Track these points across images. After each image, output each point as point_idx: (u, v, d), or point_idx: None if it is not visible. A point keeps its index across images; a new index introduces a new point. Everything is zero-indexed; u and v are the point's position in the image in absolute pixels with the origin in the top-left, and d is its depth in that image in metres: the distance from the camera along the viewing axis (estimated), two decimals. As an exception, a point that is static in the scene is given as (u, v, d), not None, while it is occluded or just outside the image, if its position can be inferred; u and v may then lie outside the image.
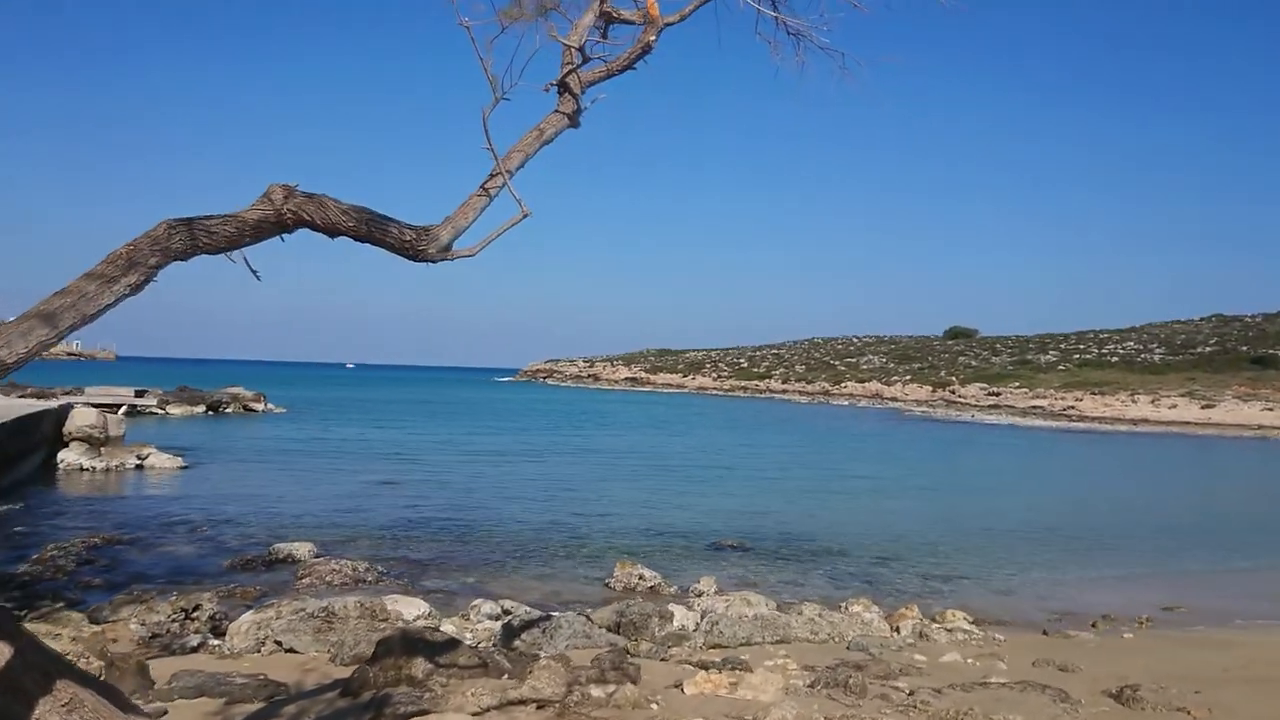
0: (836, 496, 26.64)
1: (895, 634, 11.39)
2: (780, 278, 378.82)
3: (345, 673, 8.02)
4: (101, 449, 26.36)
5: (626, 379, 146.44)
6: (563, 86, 5.24)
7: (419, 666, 7.56)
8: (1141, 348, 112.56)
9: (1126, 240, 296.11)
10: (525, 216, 4.83)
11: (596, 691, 7.44)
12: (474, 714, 6.92)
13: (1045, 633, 12.05)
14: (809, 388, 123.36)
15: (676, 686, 7.93)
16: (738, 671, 8.44)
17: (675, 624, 10.85)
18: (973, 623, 12.13)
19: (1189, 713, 7.75)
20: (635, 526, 19.62)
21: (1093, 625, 12.57)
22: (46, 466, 24.70)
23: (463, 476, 27.62)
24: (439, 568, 14.99)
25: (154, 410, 47.41)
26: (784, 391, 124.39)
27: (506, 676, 7.77)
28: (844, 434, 57.75)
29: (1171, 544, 20.17)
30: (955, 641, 11.09)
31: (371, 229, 4.62)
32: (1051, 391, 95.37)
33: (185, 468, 26.13)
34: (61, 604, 11.35)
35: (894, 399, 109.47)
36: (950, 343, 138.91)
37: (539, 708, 7.15)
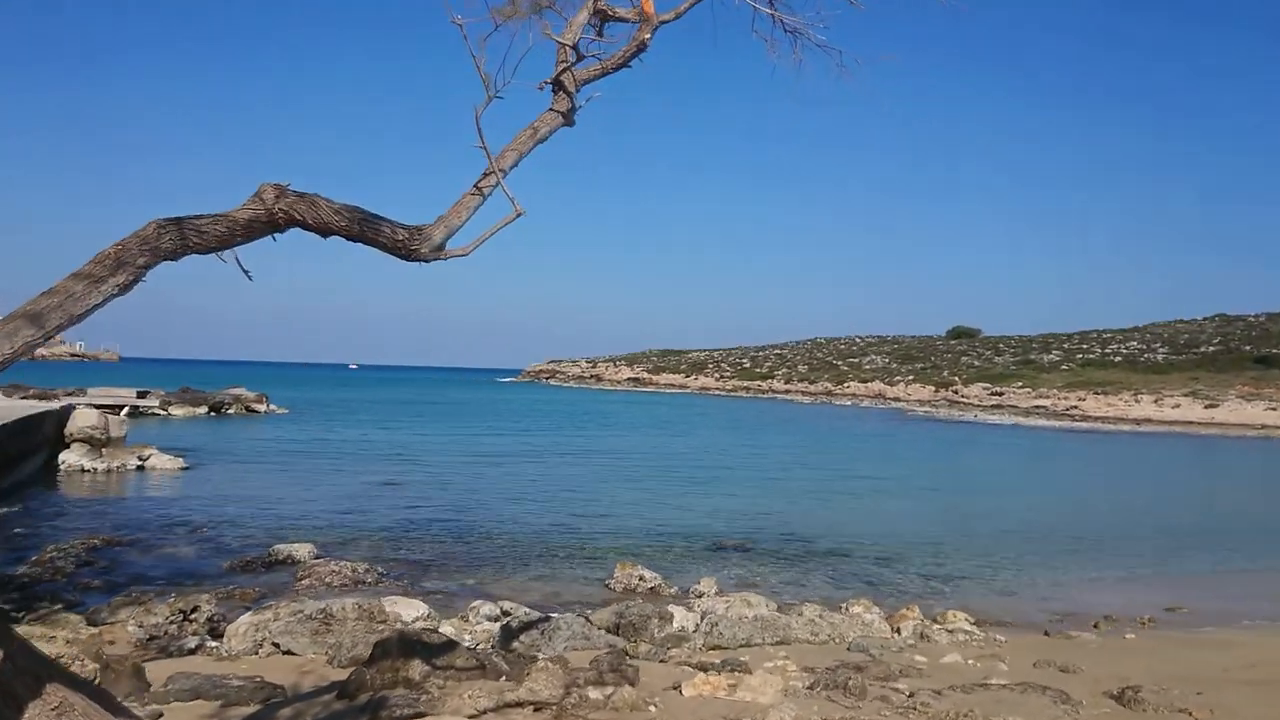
0: (839, 497, 26.59)
1: (896, 635, 11.34)
2: (782, 278, 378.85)
3: (343, 675, 7.98)
4: (103, 450, 26.34)
5: (629, 379, 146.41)
6: (557, 85, 5.19)
7: (416, 668, 7.53)
8: (1145, 347, 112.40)
9: (1129, 240, 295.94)
10: (519, 215, 4.80)
11: (594, 693, 7.40)
12: (470, 716, 6.88)
13: (1047, 633, 12.01)
14: (811, 388, 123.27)
15: (675, 688, 7.89)
16: (737, 673, 8.40)
17: (675, 625, 10.81)
18: (974, 623, 12.09)
19: (1191, 714, 7.70)
20: (636, 527, 19.59)
21: (1094, 626, 12.52)
22: (48, 468, 24.70)
23: (464, 477, 27.59)
24: (439, 569, 14.95)
25: (156, 411, 47.44)
26: (786, 392, 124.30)
27: (504, 678, 7.74)
28: (846, 434, 57.68)
29: (1174, 544, 20.11)
30: (956, 642, 11.04)
31: (364, 228, 4.59)
32: (1054, 391, 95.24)
33: (186, 469, 26.12)
34: (60, 606, 11.32)
35: (897, 399, 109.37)
36: (953, 342, 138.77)
37: (536, 710, 7.11)
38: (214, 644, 9.84)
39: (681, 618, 10.99)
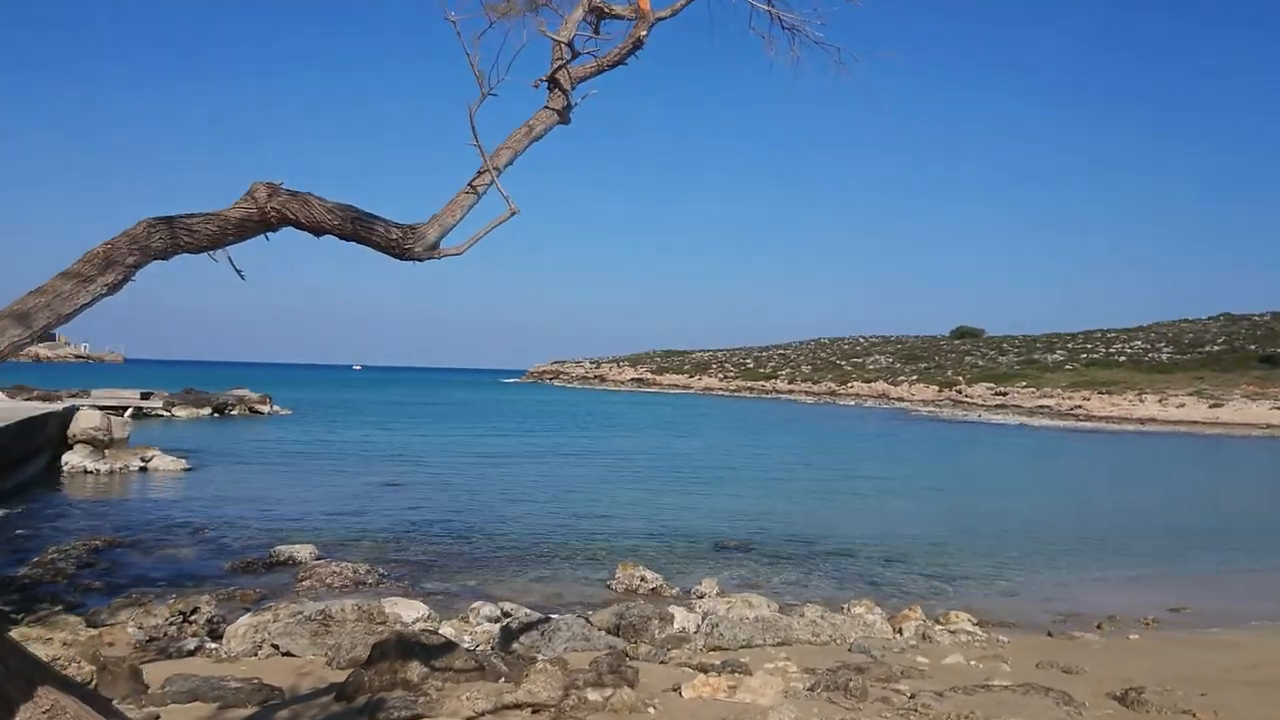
0: (842, 497, 26.53)
1: (898, 636, 11.28)
2: (786, 278, 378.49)
3: (341, 676, 7.95)
4: (106, 451, 26.35)
5: (632, 380, 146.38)
6: (552, 82, 5.16)
7: (414, 670, 7.49)
8: (1149, 347, 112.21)
9: (1133, 239, 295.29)
10: (513, 214, 4.76)
11: (593, 695, 7.36)
12: (469, 718, 6.86)
13: (1050, 634, 11.95)
14: (815, 388, 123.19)
15: (675, 690, 7.85)
16: (737, 674, 8.36)
17: (675, 626, 10.77)
18: (976, 624, 12.03)
19: (1194, 715, 7.64)
20: (638, 528, 19.55)
21: (1098, 626, 12.46)
22: (51, 469, 24.72)
23: (466, 478, 27.57)
24: (440, 570, 14.92)
25: (160, 412, 47.48)
26: (790, 392, 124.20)
27: (503, 680, 7.71)
28: (850, 434, 57.61)
29: (1178, 545, 20.03)
30: (958, 643, 10.99)
31: (357, 227, 4.55)
32: (1058, 391, 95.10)
33: (189, 470, 26.13)
34: (60, 607, 11.30)
35: (900, 399, 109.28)
36: (957, 342, 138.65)
37: (534, 712, 7.08)
38: (213, 645, 9.82)
39: (682, 619, 10.94)
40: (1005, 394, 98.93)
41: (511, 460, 34.07)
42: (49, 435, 25.39)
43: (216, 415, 50.83)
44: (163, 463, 26.29)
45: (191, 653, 9.53)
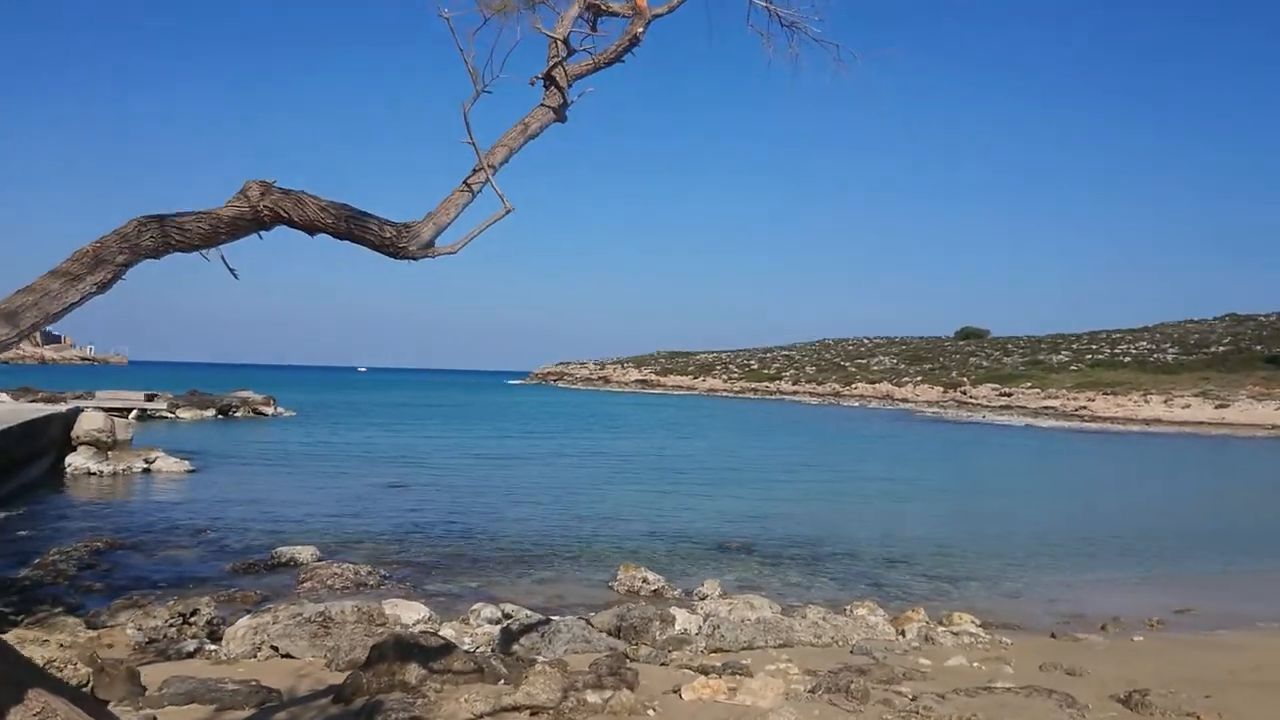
0: (845, 498, 26.46)
1: (900, 637, 11.22)
2: (790, 279, 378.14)
3: (340, 678, 7.91)
4: (109, 453, 26.37)
5: (637, 381, 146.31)
6: (549, 80, 5.12)
7: (412, 672, 7.46)
8: (1155, 347, 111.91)
9: (1139, 240, 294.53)
10: (508, 212, 4.72)
11: (593, 697, 7.32)
12: (467, 720, 6.81)
13: (1053, 636, 11.87)
14: (819, 389, 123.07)
15: (675, 692, 7.81)
16: (737, 676, 8.31)
17: (677, 628, 10.72)
18: (980, 625, 11.97)
19: (1198, 718, 7.58)
20: (641, 529, 19.50)
21: (1102, 628, 12.38)
22: (54, 470, 24.73)
23: (470, 480, 27.55)
24: (442, 571, 14.88)
25: (164, 414, 47.53)
26: (794, 393, 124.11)
27: (503, 682, 7.66)
28: (854, 435, 57.51)
29: (1184, 546, 19.94)
30: (961, 645, 10.93)
31: (351, 226, 4.51)
32: (1064, 392, 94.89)
33: (192, 471, 26.13)
34: (60, 609, 11.29)
35: (905, 400, 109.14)
36: (961, 343, 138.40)
37: (533, 714, 7.03)
38: (213, 647, 9.79)
39: (683, 620, 10.89)
40: (1010, 395, 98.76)
41: (515, 461, 34.04)
42: (52, 437, 25.41)
43: (220, 417, 50.86)
44: (166, 464, 26.29)
45: (191, 654, 9.50)
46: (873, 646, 10.24)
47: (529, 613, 11.32)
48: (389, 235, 4.55)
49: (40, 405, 33.19)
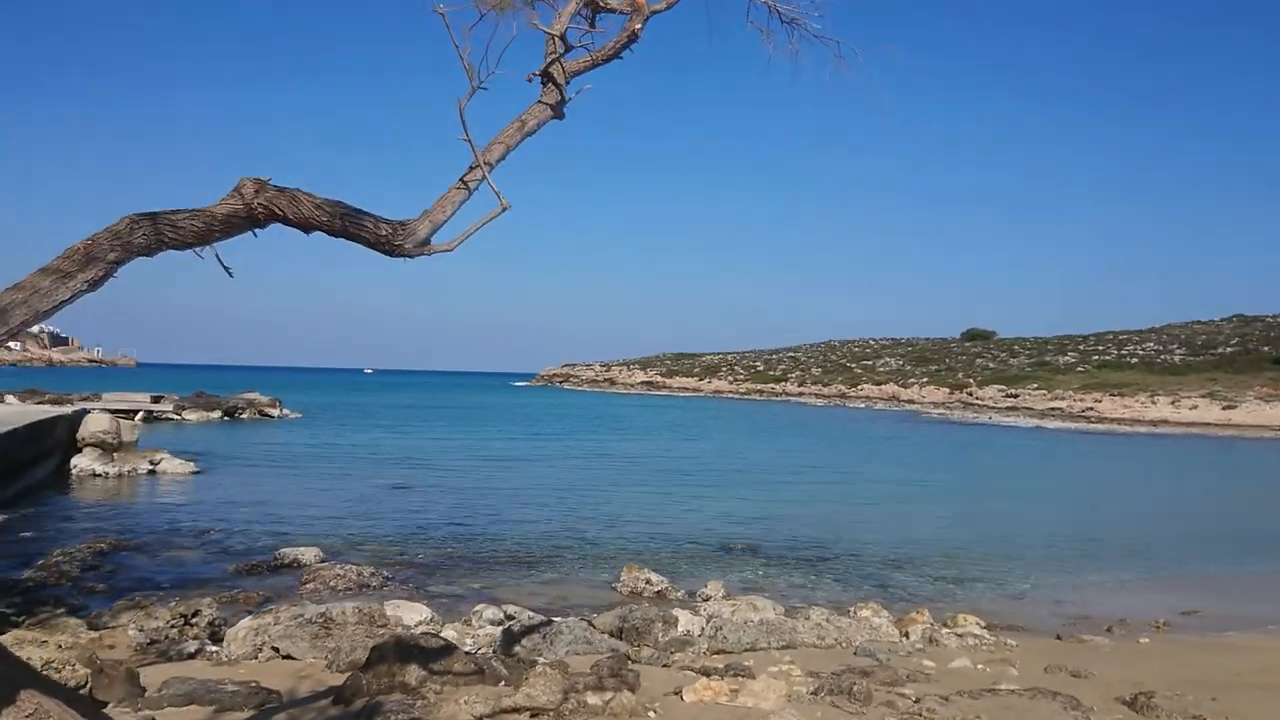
0: (850, 500, 26.37)
1: (904, 639, 11.16)
2: (796, 280, 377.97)
3: (340, 680, 7.88)
4: (114, 454, 26.40)
5: (642, 383, 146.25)
6: (546, 77, 5.08)
7: (412, 673, 7.42)
8: (1161, 348, 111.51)
9: (1146, 240, 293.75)
10: (504, 210, 4.69)
11: (593, 699, 7.27)
12: (466, 722, 6.77)
13: (1059, 637, 11.79)
14: (825, 390, 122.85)
15: (676, 693, 7.76)
16: (739, 678, 8.26)
17: (679, 629, 10.68)
18: (985, 627, 11.90)
19: (1205, 720, 7.51)
20: (645, 531, 19.45)
21: (1108, 630, 12.30)
22: (60, 472, 24.75)
23: (474, 481, 27.52)
24: (446, 573, 14.85)
25: (170, 416, 47.59)
26: (800, 394, 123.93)
27: (503, 684, 7.62)
28: (859, 437, 57.38)
29: (1191, 547, 19.83)
30: (966, 647, 10.86)
31: (346, 223, 4.48)
32: (1070, 393, 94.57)
33: (197, 473, 26.15)
34: (62, 610, 11.28)
35: (911, 401, 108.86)
36: (968, 344, 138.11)
37: (533, 716, 6.99)
38: (214, 648, 9.77)
39: (686, 621, 10.85)
40: (1016, 396, 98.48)
41: (520, 463, 34.01)
42: (58, 438, 25.44)
43: (226, 419, 50.92)
44: (171, 466, 26.32)
45: (192, 655, 9.48)
46: (876, 648, 10.18)
47: (531, 614, 11.28)
48: (384, 233, 4.52)
49: (46, 407, 33.30)
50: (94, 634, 9.94)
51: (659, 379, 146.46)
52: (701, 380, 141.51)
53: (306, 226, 4.49)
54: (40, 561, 14.00)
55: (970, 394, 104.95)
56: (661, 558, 16.46)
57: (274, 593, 12.89)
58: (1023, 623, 12.81)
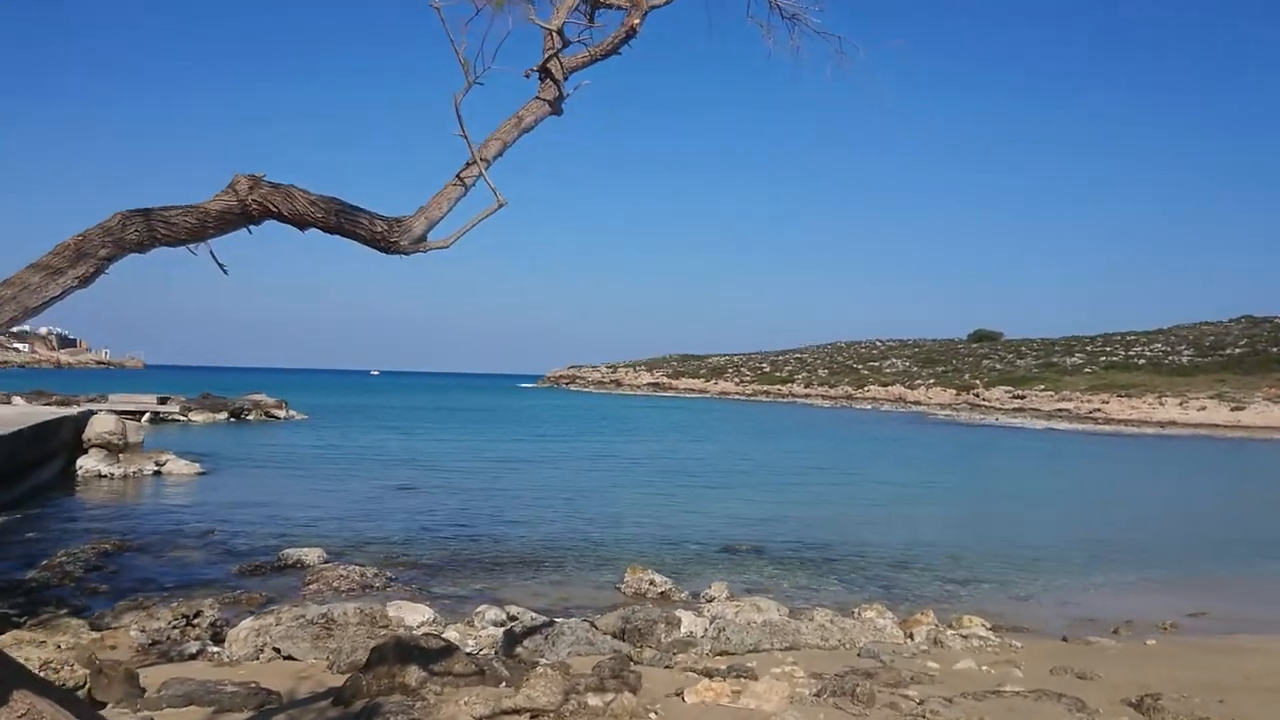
0: (856, 501, 26.30)
1: (909, 640, 11.09)
2: (802, 281, 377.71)
3: (341, 680, 7.83)
4: (120, 455, 26.44)
5: (649, 384, 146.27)
6: (544, 72, 5.05)
7: (413, 674, 7.38)
8: (1169, 349, 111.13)
9: (1153, 241, 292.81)
10: (501, 206, 4.65)
11: (594, 700, 7.22)
12: (466, 723, 6.72)
13: (1065, 639, 11.71)
14: (831, 392, 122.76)
15: (678, 695, 7.70)
16: (742, 679, 8.19)
17: (682, 630, 10.62)
18: (990, 629, 11.84)
19: (1212, 723, 7.44)
20: (650, 532, 19.41)
21: (1114, 632, 12.22)
22: (66, 473, 24.79)
23: (479, 482, 27.50)
24: (449, 573, 14.82)
25: (177, 417, 47.70)
26: (806, 396, 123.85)
27: (504, 684, 7.58)
28: (866, 438, 57.26)
29: (1199, 548, 19.72)
30: (971, 648, 10.78)
31: (341, 220, 4.45)
32: (1077, 394, 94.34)
33: (202, 474, 26.18)
34: (65, 610, 11.28)
35: (917, 403, 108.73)
36: (974, 346, 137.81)
37: (534, 717, 6.94)
38: (216, 649, 9.75)
39: (689, 623, 10.79)
40: (1023, 397, 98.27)
41: (525, 464, 33.99)
42: (64, 440, 25.48)
43: (232, 420, 51.02)
44: (176, 467, 26.35)
45: (193, 656, 9.46)
46: (880, 649, 10.11)
47: (534, 615, 11.25)
48: (380, 230, 4.48)
49: (52, 408, 33.37)
50: (96, 634, 9.92)
51: (665, 380, 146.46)
52: (708, 381, 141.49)
53: (301, 223, 4.45)
54: (44, 562, 14.00)
55: (977, 395, 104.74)
56: (666, 559, 16.42)
57: (277, 593, 12.87)
58: (1028, 624, 12.74)
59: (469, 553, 16.49)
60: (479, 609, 11.65)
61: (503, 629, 10.58)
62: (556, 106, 5.09)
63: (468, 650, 8.88)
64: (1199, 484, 37.54)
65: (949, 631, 11.47)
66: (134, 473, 25.24)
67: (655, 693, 7.75)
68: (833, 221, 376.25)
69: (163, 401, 47.71)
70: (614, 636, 10.17)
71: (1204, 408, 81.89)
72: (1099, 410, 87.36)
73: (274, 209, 4.38)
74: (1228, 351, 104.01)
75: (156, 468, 26.02)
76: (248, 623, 9.88)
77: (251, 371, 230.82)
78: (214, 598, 11.75)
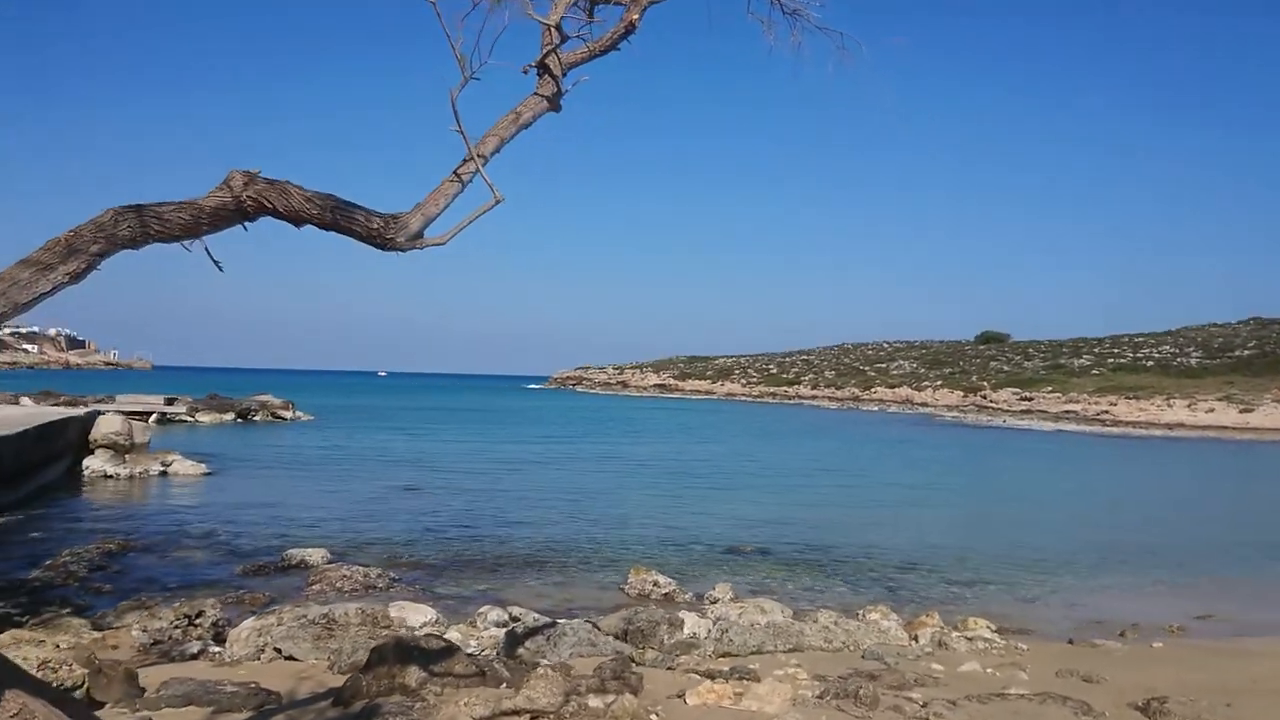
0: (862, 502, 26.21)
1: (913, 642, 11.02)
2: (809, 283, 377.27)
3: (341, 681, 7.81)
4: (126, 456, 26.48)
5: (655, 386, 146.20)
6: (542, 68, 5.01)
7: (413, 675, 7.35)
8: (1178, 351, 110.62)
9: (1162, 242, 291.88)
10: (498, 203, 4.61)
11: (594, 702, 7.17)
12: (465, 724, 6.68)
13: (1071, 642, 11.63)
14: (838, 393, 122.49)
15: (679, 696, 7.66)
16: (744, 681, 8.15)
17: (685, 631, 10.56)
18: (995, 631, 11.76)
19: (1219, 727, 7.36)
20: (655, 533, 19.35)
21: (1121, 634, 12.13)
22: (71, 473, 24.83)
23: (484, 483, 27.46)
24: (453, 574, 14.79)
25: (184, 418, 47.77)
26: (813, 397, 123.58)
27: (505, 685, 7.54)
28: (872, 440, 57.10)
29: (1206, 551, 19.59)
30: (976, 650, 10.71)
31: (337, 216, 4.42)
32: (1085, 396, 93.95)
33: (208, 474, 26.18)
34: (68, 610, 11.27)
35: (924, 404, 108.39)
36: (982, 347, 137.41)
37: (534, 718, 6.90)
38: (217, 649, 9.73)
39: (692, 624, 10.74)
40: (1031, 399, 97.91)
41: (531, 465, 33.96)
42: (70, 440, 25.51)
43: (239, 421, 51.08)
44: (182, 467, 26.37)
45: (195, 656, 9.45)
46: (884, 651, 10.04)
47: (536, 615, 11.20)
48: (376, 226, 4.45)
49: (59, 408, 33.41)
50: (98, 634, 9.93)
51: (672, 382, 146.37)
52: (714, 383, 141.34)
53: (297, 220, 4.42)
54: (48, 562, 14.00)
55: (984, 397, 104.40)
56: (670, 560, 16.37)
57: (280, 593, 12.85)
58: (1034, 626, 12.65)
59: (473, 553, 16.46)
60: (481, 610, 11.61)
61: (505, 630, 10.54)
62: (555, 103, 5.05)
63: (469, 651, 8.86)
64: (1207, 486, 37.35)
65: (954, 633, 11.39)
66: (140, 473, 25.26)
67: (657, 694, 7.70)
68: (838, 222, 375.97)
69: (170, 402, 47.79)
70: (616, 638, 10.12)
71: (1212, 410, 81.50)
72: (1107, 412, 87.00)
73: (269, 205, 4.35)
74: (1236, 353, 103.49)
75: (162, 468, 26.05)
76: (249, 623, 9.86)
77: (259, 373, 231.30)
78: (217, 598, 11.73)
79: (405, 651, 7.54)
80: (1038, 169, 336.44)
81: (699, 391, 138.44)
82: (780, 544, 18.40)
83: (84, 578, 13.29)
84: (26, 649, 6.87)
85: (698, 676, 8.50)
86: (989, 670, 9.55)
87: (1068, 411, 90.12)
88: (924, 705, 7.65)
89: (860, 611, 12.24)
